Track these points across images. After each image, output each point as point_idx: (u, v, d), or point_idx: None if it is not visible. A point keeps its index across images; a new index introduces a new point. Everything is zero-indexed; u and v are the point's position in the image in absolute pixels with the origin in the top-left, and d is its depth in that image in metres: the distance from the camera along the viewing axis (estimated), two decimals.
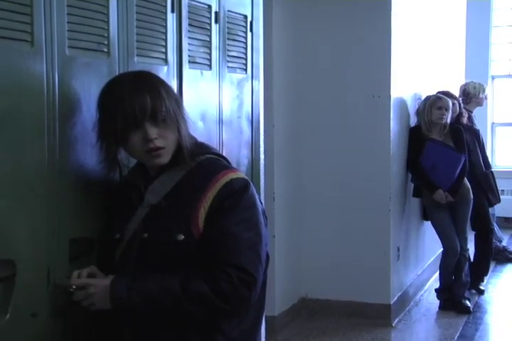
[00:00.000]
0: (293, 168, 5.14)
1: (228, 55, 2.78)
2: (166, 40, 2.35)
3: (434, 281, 6.16)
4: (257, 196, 1.92)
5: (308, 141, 5.20)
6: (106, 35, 2.04)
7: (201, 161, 1.92)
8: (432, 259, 6.39)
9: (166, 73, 2.36)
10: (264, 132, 3.19)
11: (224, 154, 2.50)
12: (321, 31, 5.11)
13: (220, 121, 2.72)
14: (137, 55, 2.19)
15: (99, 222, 1.99)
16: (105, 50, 2.05)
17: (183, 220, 1.84)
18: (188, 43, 2.49)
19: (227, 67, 2.78)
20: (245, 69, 2.94)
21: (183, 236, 1.83)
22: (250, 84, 2.98)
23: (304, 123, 5.18)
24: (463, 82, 6.85)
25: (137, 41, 2.19)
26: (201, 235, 1.83)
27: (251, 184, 1.91)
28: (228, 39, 2.77)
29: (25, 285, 1.78)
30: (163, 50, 2.35)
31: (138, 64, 2.18)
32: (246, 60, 2.93)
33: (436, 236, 5.61)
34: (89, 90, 1.94)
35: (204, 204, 1.84)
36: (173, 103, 1.87)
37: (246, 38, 2.91)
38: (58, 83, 1.86)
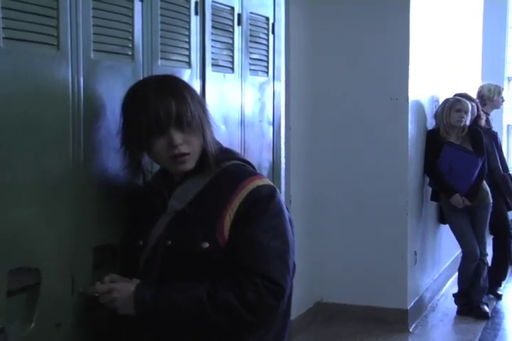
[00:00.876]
0: (309, 171, 5.09)
1: (250, 58, 2.74)
2: (189, 42, 2.32)
3: (450, 285, 6.09)
4: (283, 203, 1.88)
5: (325, 143, 5.14)
6: (130, 38, 2.01)
7: (226, 167, 1.88)
8: (448, 263, 6.33)
9: (190, 76, 2.32)
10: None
11: (245, 158, 2.46)
12: (338, 32, 5.04)
13: (242, 124, 2.68)
14: (161, 58, 2.15)
15: (123, 229, 1.95)
16: (129, 53, 2.01)
17: (208, 228, 1.80)
18: (212, 46, 2.45)
19: (250, 69, 2.74)
20: (267, 72, 2.90)
21: (207, 244, 1.79)
22: (272, 87, 2.94)
23: (321, 126, 5.12)
24: (479, 83, 6.77)
25: (161, 44, 2.15)
26: (227, 243, 1.79)
27: (277, 191, 1.87)
28: (250, 41, 2.73)
29: (50, 294, 1.74)
30: (187, 52, 2.31)
31: (162, 67, 2.14)
32: (268, 62, 2.89)
33: (453, 239, 5.55)
34: (113, 94, 1.90)
35: (230, 212, 1.80)
36: (198, 107, 1.83)
37: (268, 40, 2.87)
38: (83, 87, 1.82)
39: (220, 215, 1.80)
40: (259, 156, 2.80)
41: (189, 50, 2.31)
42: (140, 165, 1.89)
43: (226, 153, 1.92)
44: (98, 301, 1.79)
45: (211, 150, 1.85)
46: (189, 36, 2.31)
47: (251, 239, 1.78)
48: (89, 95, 1.85)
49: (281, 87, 3.01)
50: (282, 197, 3.06)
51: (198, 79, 2.39)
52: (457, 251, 6.49)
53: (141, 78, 2.01)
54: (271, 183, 1.89)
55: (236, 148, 2.58)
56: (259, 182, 1.84)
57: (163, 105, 1.76)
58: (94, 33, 1.85)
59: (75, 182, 1.81)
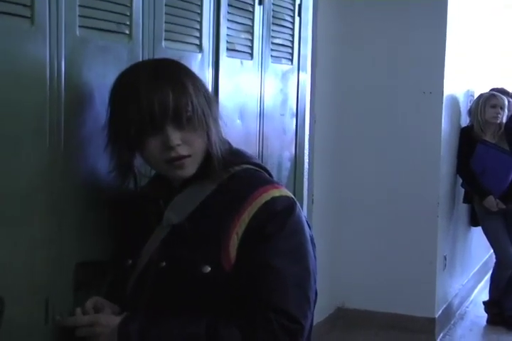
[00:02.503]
0: (334, 169, 4.84)
1: (272, 43, 2.41)
2: (201, 22, 1.98)
3: (479, 291, 5.87)
4: (304, 219, 1.55)
5: (351, 139, 4.87)
6: (128, 13, 1.68)
7: (236, 173, 1.56)
8: (477, 267, 6.11)
9: (200, 62, 1.99)
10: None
11: (264, 157, 2.13)
12: (370, 20, 4.75)
13: (261, 118, 2.35)
14: (165, 39, 1.83)
15: (109, 243, 1.65)
16: (126, 31, 1.69)
17: (211, 248, 1.49)
18: (227, 27, 2.12)
19: (271, 56, 2.40)
20: (291, 60, 2.56)
21: (209, 268, 1.48)
22: (296, 76, 2.60)
23: (348, 121, 4.85)
24: None
25: (166, 22, 1.83)
26: (233, 267, 1.48)
27: (297, 204, 1.54)
28: (273, 24, 2.40)
29: (17, 325, 1.42)
30: (197, 34, 1.98)
31: (166, 50, 1.82)
32: (292, 48, 2.55)
33: (483, 242, 5.35)
34: (104, 81, 1.57)
35: (238, 229, 1.48)
36: (203, 100, 1.51)
37: (293, 23, 2.54)
38: (65, 71, 1.49)
39: (226, 233, 1.49)
40: (279, 155, 2.47)
41: (200, 30, 1.98)
42: (131, 166, 1.57)
43: (236, 156, 1.60)
44: (76, 334, 1.48)
45: (217, 152, 1.53)
46: (201, 14, 1.98)
47: (263, 263, 1.46)
48: (74, 81, 1.53)
49: (306, 77, 2.66)
50: (303, 209, 2.76)
51: (210, 66, 2.06)
52: (487, 255, 6.32)
53: None
54: (289, 194, 1.56)
55: (253, 145, 2.26)
56: (274, 193, 1.51)
57: (158, 96, 1.45)
58: (80, 5, 1.52)
59: (52, 188, 1.49)
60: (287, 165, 2.55)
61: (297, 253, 1.49)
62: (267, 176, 1.61)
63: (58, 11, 1.46)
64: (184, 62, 1.78)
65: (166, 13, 1.82)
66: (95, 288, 1.61)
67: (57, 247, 1.52)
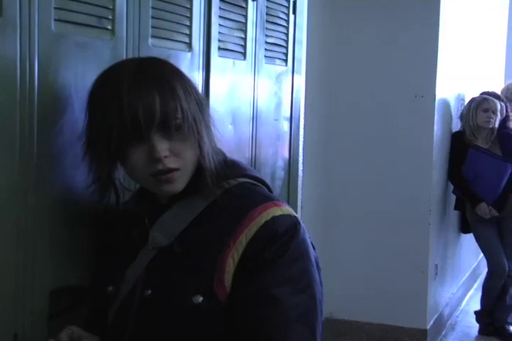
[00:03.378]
0: (323, 175, 4.69)
1: (266, 42, 2.22)
2: (191, 17, 1.80)
3: (469, 299, 5.76)
4: (309, 240, 1.37)
5: (341, 144, 4.71)
6: (111, 6, 1.49)
7: (231, 188, 1.37)
8: (466, 275, 5.98)
9: (190, 62, 1.80)
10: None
11: (257, 165, 1.94)
12: (362, 23, 4.59)
13: (255, 124, 2.17)
14: (152, 37, 1.64)
15: (89, 266, 1.45)
16: (109, 27, 1.50)
17: (203, 275, 1.30)
18: (219, 24, 1.93)
19: (265, 56, 2.22)
20: (285, 61, 2.38)
21: (201, 298, 1.28)
22: (290, 79, 2.42)
23: (338, 125, 4.70)
24: (502, 82, 6.36)
25: (153, 17, 1.64)
26: (228, 297, 1.29)
27: (301, 223, 1.36)
28: (267, 22, 2.21)
29: None
30: (187, 31, 1.79)
31: (153, 48, 1.64)
32: (287, 48, 2.37)
33: (473, 249, 5.30)
34: (83, 82, 1.38)
35: (234, 253, 1.29)
36: (194, 105, 1.32)
37: (288, 21, 2.35)
38: (38, 72, 1.31)
39: (221, 257, 1.30)
40: (273, 164, 2.29)
41: (190, 27, 1.79)
42: (111, 179, 1.38)
43: (232, 168, 1.41)
44: None
45: (209, 164, 1.34)
46: (191, 9, 1.80)
47: (263, 293, 1.27)
48: (48, 83, 1.34)
49: (301, 79, 2.48)
50: (299, 208, 2.57)
51: (201, 67, 1.87)
52: (475, 262, 6.20)
53: None
54: (292, 212, 1.37)
55: (245, 153, 2.08)
56: (275, 211, 1.33)
57: (143, 100, 1.25)
58: None
59: (22, 205, 1.29)
60: (281, 174, 2.37)
61: (301, 281, 1.30)
62: (266, 191, 1.42)
63: (31, 1, 1.26)
64: (172, 62, 1.59)
65: (152, 8, 1.63)
66: (71, 317, 1.42)
67: (29, 271, 1.33)
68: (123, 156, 1.30)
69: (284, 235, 1.30)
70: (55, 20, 1.34)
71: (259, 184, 1.42)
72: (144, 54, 1.58)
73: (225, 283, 1.29)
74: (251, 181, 1.41)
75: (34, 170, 1.30)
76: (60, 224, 1.39)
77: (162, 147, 1.27)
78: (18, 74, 1.27)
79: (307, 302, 1.29)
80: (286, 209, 1.35)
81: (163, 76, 1.30)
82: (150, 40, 1.63)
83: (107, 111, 1.26)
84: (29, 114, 1.29)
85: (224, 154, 1.42)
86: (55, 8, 1.33)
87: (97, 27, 1.47)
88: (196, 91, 1.36)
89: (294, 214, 1.36)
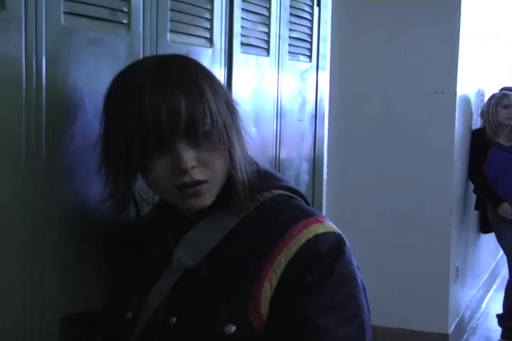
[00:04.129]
0: (339, 174, 4.55)
1: (290, 37, 2.05)
2: (212, 10, 1.64)
3: (489, 301, 5.65)
4: (354, 260, 1.21)
5: (359, 143, 4.58)
6: None
7: (266, 202, 1.21)
8: (486, 276, 5.87)
9: (211, 59, 1.65)
10: None
11: (281, 169, 1.79)
12: (382, 19, 4.45)
13: (278, 124, 2.01)
14: (171, 31, 1.49)
15: (104, 289, 1.30)
16: (124, 21, 1.35)
17: (236, 301, 1.14)
18: (241, 17, 1.77)
19: (289, 52, 2.05)
20: (309, 57, 2.22)
21: (234, 328, 1.13)
22: (315, 76, 2.26)
23: (355, 123, 4.56)
24: None
25: (172, 10, 1.48)
26: (264, 326, 1.14)
27: (346, 241, 1.20)
28: (291, 15, 2.05)
29: None
30: (208, 24, 1.63)
31: (172, 44, 1.48)
32: (311, 43, 2.21)
33: (492, 249, 5.22)
34: (96, 83, 1.23)
35: (271, 276, 1.14)
36: (224, 108, 1.16)
37: (312, 14, 2.19)
38: (46, 71, 1.15)
39: (256, 281, 1.14)
40: (297, 168, 2.14)
41: (211, 21, 1.64)
42: (131, 192, 1.22)
43: (265, 179, 1.25)
44: None
45: (242, 175, 1.18)
46: (212, 1, 1.64)
47: (306, 323, 1.11)
48: (57, 84, 1.18)
49: (326, 76, 2.32)
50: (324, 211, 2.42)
51: (223, 64, 1.71)
52: (494, 262, 6.06)
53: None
54: (335, 229, 1.21)
55: (269, 156, 1.92)
56: (318, 229, 1.17)
57: (167, 103, 1.10)
58: None
59: (29, 224, 1.14)
60: (305, 178, 2.21)
61: (349, 308, 1.14)
62: (305, 205, 1.27)
63: None
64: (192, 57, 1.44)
65: (172, 0, 1.47)
66: None
67: (36, 296, 1.18)
68: (144, 167, 1.15)
69: (329, 256, 1.14)
70: (64, 13, 1.18)
71: (296, 196, 1.27)
72: (162, 50, 1.43)
73: (261, 310, 1.13)
74: (287, 193, 1.25)
75: (42, 183, 1.15)
76: (71, 243, 1.23)
77: (189, 156, 1.12)
78: (24, 74, 1.11)
79: (354, 334, 1.14)
80: (330, 225, 1.19)
81: (189, 75, 1.14)
82: (168, 35, 1.47)
83: (125, 115, 1.11)
84: (36, 119, 1.14)
85: (256, 163, 1.26)
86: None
87: (111, 21, 1.31)
88: (225, 92, 1.20)
89: (338, 231, 1.20)
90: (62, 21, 1.18)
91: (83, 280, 1.28)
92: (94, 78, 1.25)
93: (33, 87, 1.13)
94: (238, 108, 1.23)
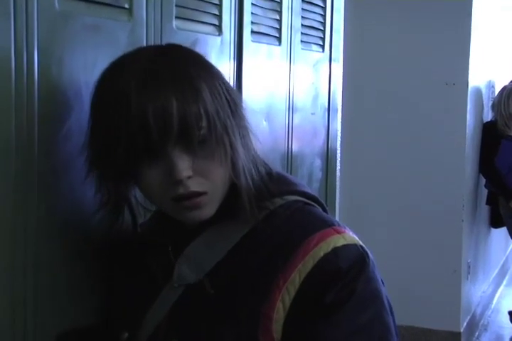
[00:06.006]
0: (347, 168, 4.39)
1: (302, 25, 1.93)
2: None
3: (500, 297, 5.56)
4: (378, 275, 1.06)
5: (368, 137, 4.45)
6: None
7: (277, 209, 1.07)
8: (496, 271, 5.78)
9: (219, 48, 1.53)
10: None
11: (293, 166, 1.68)
12: (392, 9, 4.33)
13: (291, 119, 1.89)
14: (177, 18, 1.37)
15: (100, 304, 1.18)
16: (126, 5, 1.22)
17: (245, 323, 1.01)
18: (252, 3, 1.64)
19: (301, 41, 1.93)
20: (322, 46, 2.09)
21: None
22: (328, 67, 2.13)
23: (363, 116, 4.43)
24: None
25: None
26: None
27: (369, 255, 1.05)
28: (303, 1, 1.92)
29: None
30: (216, 11, 1.51)
31: (178, 31, 1.37)
32: (324, 32, 2.08)
33: (502, 244, 5.17)
34: (94, 74, 1.08)
35: (284, 295, 1.01)
36: (225, 107, 1.02)
37: (325, 1, 2.06)
38: (39, 62, 1.03)
39: (267, 300, 1.01)
40: (310, 164, 2.02)
41: (220, 6, 1.51)
42: (124, 200, 1.10)
43: (278, 183, 1.10)
44: None
45: (246, 182, 1.04)
46: None
47: None
48: (51, 76, 1.06)
49: (339, 67, 2.20)
50: (337, 211, 2.29)
51: (232, 54, 1.58)
52: (504, 257, 6.00)
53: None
54: (356, 240, 1.06)
55: (281, 152, 1.80)
56: (337, 241, 1.03)
57: (156, 105, 0.96)
58: None
59: (19, 233, 1.02)
60: (318, 175, 2.09)
61: (374, 331, 1.00)
62: (322, 212, 1.12)
63: None
64: (200, 47, 1.33)
65: None
66: None
67: (30, 314, 1.06)
68: (135, 176, 1.02)
69: (350, 272, 1.00)
70: None
71: (313, 202, 1.13)
72: (166, 38, 1.31)
73: (273, 334, 1.00)
74: (302, 199, 1.11)
75: (34, 187, 1.03)
76: (65, 255, 1.12)
77: (183, 165, 0.98)
78: (13, 64, 0.99)
79: None
80: (350, 236, 1.05)
81: (185, 71, 1.00)
82: (174, 22, 1.35)
83: (112, 119, 0.97)
84: (28, 113, 1.02)
85: (268, 165, 1.12)
86: None
87: (112, 5, 1.19)
88: (228, 89, 1.06)
89: (360, 242, 1.06)
90: (57, 5, 1.06)
91: (79, 293, 1.16)
92: (91, 69, 1.12)
93: (23, 79, 1.01)
94: (244, 107, 1.08)
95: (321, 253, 1.00)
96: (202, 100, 0.98)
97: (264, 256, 1.04)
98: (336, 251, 1.01)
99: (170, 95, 0.96)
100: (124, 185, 1.07)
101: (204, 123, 0.98)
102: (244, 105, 1.08)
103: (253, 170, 1.05)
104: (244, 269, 1.04)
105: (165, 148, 0.97)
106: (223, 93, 1.02)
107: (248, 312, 1.01)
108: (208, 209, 1.03)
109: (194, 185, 0.99)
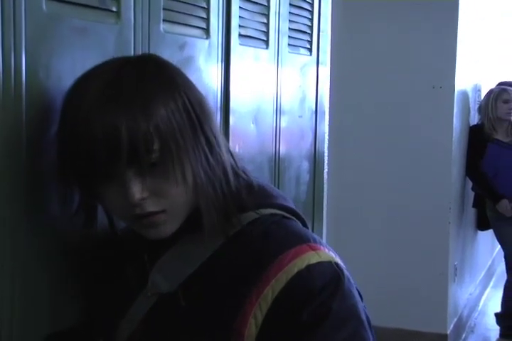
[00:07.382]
0: (334, 170, 4.38)
1: (290, 28, 1.93)
2: None
3: (486, 299, 5.60)
4: (355, 291, 1.04)
5: (354, 139, 4.47)
6: None
7: (253, 223, 1.05)
8: (483, 273, 5.81)
9: (207, 51, 1.52)
10: None
11: (281, 169, 1.68)
12: (379, 11, 4.36)
13: (278, 122, 1.89)
14: (164, 21, 1.36)
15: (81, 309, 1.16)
16: (113, 8, 1.22)
17: (217, 337, 0.99)
18: (240, 6, 1.64)
19: (289, 45, 1.93)
20: (310, 49, 2.09)
21: None
22: (315, 70, 2.14)
23: (350, 118, 4.45)
24: None
25: None
26: None
27: (344, 271, 1.03)
28: (290, 5, 1.92)
29: None
30: (204, 14, 1.51)
31: (165, 34, 1.36)
32: (311, 35, 2.09)
33: (488, 246, 5.19)
34: None
35: (256, 311, 0.98)
36: (184, 125, 0.98)
37: (312, 5, 2.06)
38: (26, 64, 1.02)
39: (239, 316, 0.99)
40: (297, 167, 2.02)
41: (207, 10, 1.51)
42: (94, 207, 1.09)
43: (256, 196, 1.08)
44: None
45: (208, 202, 1.01)
46: None
47: None
48: (38, 79, 1.06)
49: (326, 71, 2.21)
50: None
51: (220, 57, 1.58)
52: (490, 259, 6.01)
53: (132, 51, 1.23)
54: (332, 257, 1.03)
55: (269, 155, 1.80)
56: (311, 258, 1.01)
57: (106, 124, 0.93)
58: None
59: (7, 234, 1.01)
60: (306, 178, 2.09)
61: None
62: (300, 227, 1.09)
63: None
64: (188, 50, 1.33)
65: None
66: None
67: (20, 316, 1.05)
68: (96, 193, 1.00)
69: (325, 290, 0.98)
70: None
71: (291, 216, 1.10)
72: (154, 41, 1.31)
73: None
74: (280, 213, 1.08)
75: (22, 191, 1.02)
76: (56, 257, 1.11)
77: (136, 188, 0.95)
78: (1, 68, 0.98)
79: None
80: (325, 253, 1.02)
81: (141, 89, 0.96)
82: (162, 25, 1.35)
83: (68, 135, 0.97)
84: (15, 117, 1.01)
85: (249, 177, 1.09)
86: None
87: (99, 8, 1.19)
88: (191, 99, 1.00)
89: (336, 259, 1.03)
90: (44, 8, 1.05)
91: (64, 295, 1.16)
92: (79, 71, 1.10)
93: (10, 81, 1.00)
94: (213, 117, 1.04)
95: (295, 270, 0.98)
96: (154, 122, 0.94)
97: (238, 270, 1.02)
98: (309, 268, 0.99)
99: (119, 116, 0.93)
100: (89, 198, 1.06)
101: (156, 146, 0.95)
102: (213, 116, 1.05)
103: (223, 184, 1.03)
104: (218, 282, 1.02)
105: (117, 169, 0.95)
106: (183, 108, 0.98)
107: (221, 326, 0.99)
108: (169, 226, 1.01)
109: (150, 206, 0.98)
